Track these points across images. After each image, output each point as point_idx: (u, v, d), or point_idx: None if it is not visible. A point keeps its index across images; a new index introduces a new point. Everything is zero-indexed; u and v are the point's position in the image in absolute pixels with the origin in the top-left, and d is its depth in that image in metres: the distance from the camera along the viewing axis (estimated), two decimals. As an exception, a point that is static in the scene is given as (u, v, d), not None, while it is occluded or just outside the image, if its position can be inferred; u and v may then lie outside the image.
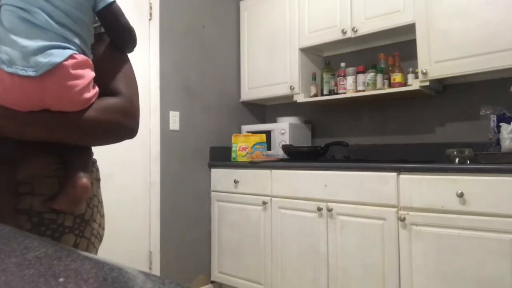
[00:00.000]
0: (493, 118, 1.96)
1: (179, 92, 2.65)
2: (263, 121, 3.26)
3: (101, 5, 0.72)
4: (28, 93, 0.62)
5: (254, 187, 2.48)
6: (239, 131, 3.02)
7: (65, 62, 0.64)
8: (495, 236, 1.61)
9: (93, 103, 0.70)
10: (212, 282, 2.74)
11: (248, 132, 2.91)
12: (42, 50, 0.62)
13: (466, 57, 1.98)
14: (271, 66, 2.83)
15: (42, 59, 0.62)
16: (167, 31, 2.58)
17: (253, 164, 2.50)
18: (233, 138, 2.64)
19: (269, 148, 2.77)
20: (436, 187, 1.77)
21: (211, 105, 2.85)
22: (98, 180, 0.83)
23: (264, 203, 2.40)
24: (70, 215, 0.72)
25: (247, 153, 2.59)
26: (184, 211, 2.62)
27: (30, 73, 0.61)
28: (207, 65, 2.85)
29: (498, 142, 1.91)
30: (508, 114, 1.93)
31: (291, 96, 2.75)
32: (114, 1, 0.74)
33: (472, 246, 1.66)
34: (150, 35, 2.49)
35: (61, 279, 0.29)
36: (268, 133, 2.79)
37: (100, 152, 2.01)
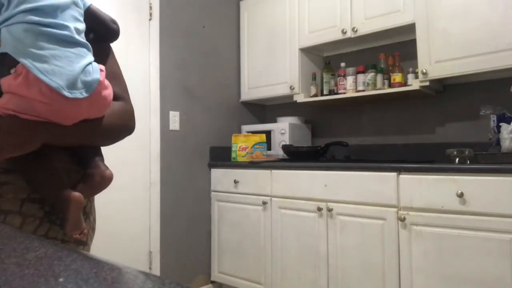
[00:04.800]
0: (493, 118, 1.96)
1: (179, 92, 2.65)
2: (263, 121, 3.26)
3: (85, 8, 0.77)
4: (81, 110, 0.68)
5: (254, 187, 2.48)
6: (239, 131, 3.02)
7: (101, 77, 0.70)
8: (495, 236, 1.61)
9: None
10: (212, 282, 2.74)
11: (248, 132, 2.91)
12: (82, 70, 0.67)
13: (466, 57, 1.98)
14: (271, 66, 2.83)
15: (85, 78, 0.67)
16: (167, 31, 2.58)
17: (253, 164, 2.50)
18: (233, 138, 2.64)
19: (269, 148, 2.77)
20: (436, 187, 1.77)
21: (211, 105, 2.86)
22: None
23: (264, 203, 2.40)
24: None
25: (247, 153, 2.59)
26: (184, 211, 2.62)
27: (84, 94, 0.67)
28: (207, 65, 2.85)
29: (498, 142, 1.91)
30: (508, 114, 1.93)
31: (291, 96, 2.75)
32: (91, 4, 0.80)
33: (472, 246, 1.66)
34: (150, 35, 2.49)
35: (61, 279, 0.29)
36: (268, 133, 2.79)
37: (100, 152, 2.02)
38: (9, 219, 0.69)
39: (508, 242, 1.59)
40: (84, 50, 0.69)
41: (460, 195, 1.69)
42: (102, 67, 0.73)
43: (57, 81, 0.63)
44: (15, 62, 0.63)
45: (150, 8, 2.49)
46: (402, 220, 1.85)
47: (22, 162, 0.69)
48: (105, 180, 0.75)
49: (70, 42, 0.67)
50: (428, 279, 1.77)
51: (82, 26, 0.71)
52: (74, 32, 0.68)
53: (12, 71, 0.64)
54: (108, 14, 0.83)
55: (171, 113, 2.58)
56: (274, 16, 2.82)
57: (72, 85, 0.65)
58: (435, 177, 1.78)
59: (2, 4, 0.64)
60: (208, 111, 2.83)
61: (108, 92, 0.72)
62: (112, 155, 2.26)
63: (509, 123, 1.87)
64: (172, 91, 2.60)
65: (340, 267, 2.05)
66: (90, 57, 0.70)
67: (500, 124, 1.90)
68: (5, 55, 0.64)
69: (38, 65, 0.62)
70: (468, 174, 1.70)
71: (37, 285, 0.27)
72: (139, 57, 2.42)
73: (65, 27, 0.67)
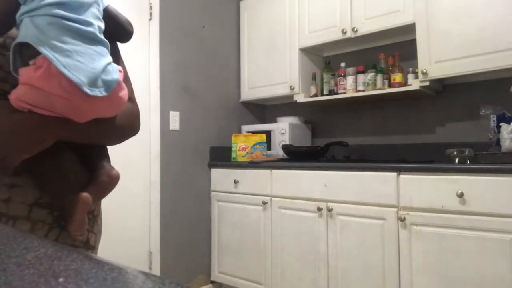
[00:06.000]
0: (493, 118, 1.96)
1: (179, 92, 2.65)
2: (263, 121, 3.26)
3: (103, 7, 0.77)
4: (97, 109, 0.68)
5: (254, 187, 2.48)
6: (239, 131, 3.02)
7: (120, 78, 0.71)
8: (495, 236, 1.61)
9: None
10: (212, 282, 2.74)
11: (248, 132, 2.91)
12: (103, 69, 0.67)
13: (466, 57, 1.98)
14: (271, 66, 2.83)
15: (105, 77, 0.67)
16: (167, 31, 2.58)
17: (253, 164, 2.50)
18: (233, 138, 2.64)
19: (269, 148, 2.77)
20: (436, 187, 1.77)
21: (211, 105, 2.86)
22: None
23: (264, 203, 2.40)
24: None
25: (247, 153, 2.59)
26: (184, 211, 2.62)
27: (104, 93, 0.67)
28: (207, 65, 2.85)
29: (498, 142, 1.91)
30: (508, 114, 1.93)
31: (291, 96, 2.75)
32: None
33: (472, 246, 1.66)
34: (150, 35, 2.49)
35: (61, 279, 0.29)
36: (268, 133, 2.79)
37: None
38: (18, 225, 0.67)
39: (508, 242, 1.59)
40: (105, 49, 0.69)
41: (460, 195, 1.69)
42: (120, 68, 0.72)
43: (79, 77, 0.63)
44: (35, 54, 0.62)
45: (150, 8, 2.49)
46: (402, 220, 1.85)
47: (32, 162, 0.68)
48: (112, 180, 0.75)
49: (93, 40, 0.67)
50: (428, 279, 1.77)
51: (103, 25, 0.71)
52: (97, 30, 0.68)
53: (31, 62, 0.63)
54: (125, 16, 0.82)
55: (171, 113, 2.58)
56: (274, 16, 2.82)
57: (92, 83, 0.65)
58: (435, 177, 1.78)
59: None
60: (208, 111, 2.83)
61: (124, 93, 0.72)
62: (112, 155, 2.26)
63: (509, 123, 1.87)
64: (172, 91, 2.60)
65: (340, 267, 2.05)
66: (109, 57, 0.70)
67: (500, 124, 1.90)
68: (23, 45, 0.63)
69: (60, 58, 0.62)
70: (468, 174, 1.70)
71: (37, 285, 0.27)
72: (139, 57, 2.42)
73: (90, 24, 0.67)
